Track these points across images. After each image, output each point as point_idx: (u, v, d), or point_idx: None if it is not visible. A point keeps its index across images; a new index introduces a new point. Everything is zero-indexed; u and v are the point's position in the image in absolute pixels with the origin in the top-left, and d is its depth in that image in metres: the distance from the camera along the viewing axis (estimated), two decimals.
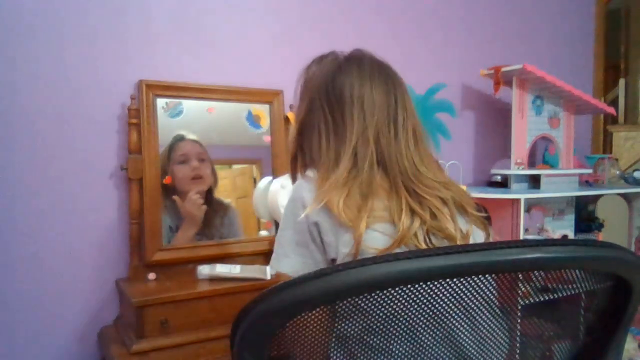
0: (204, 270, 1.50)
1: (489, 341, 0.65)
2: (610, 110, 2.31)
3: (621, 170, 2.44)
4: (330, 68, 1.00)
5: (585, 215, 2.34)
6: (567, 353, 0.71)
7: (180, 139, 1.64)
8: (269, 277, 1.51)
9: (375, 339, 0.61)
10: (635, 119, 3.67)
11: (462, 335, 0.63)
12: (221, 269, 1.50)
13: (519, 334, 0.69)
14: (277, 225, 1.75)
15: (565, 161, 2.19)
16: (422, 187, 0.89)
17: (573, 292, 0.64)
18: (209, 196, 1.69)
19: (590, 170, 2.30)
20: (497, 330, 0.64)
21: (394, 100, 0.96)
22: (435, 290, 0.54)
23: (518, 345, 0.68)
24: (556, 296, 0.65)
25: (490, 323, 0.63)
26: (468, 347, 0.64)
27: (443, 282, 0.54)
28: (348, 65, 0.98)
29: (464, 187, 1.05)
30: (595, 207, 2.39)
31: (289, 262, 0.93)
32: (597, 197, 2.36)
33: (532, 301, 0.67)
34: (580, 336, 0.71)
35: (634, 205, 2.40)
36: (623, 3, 3.84)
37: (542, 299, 0.68)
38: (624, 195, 2.39)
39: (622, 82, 3.71)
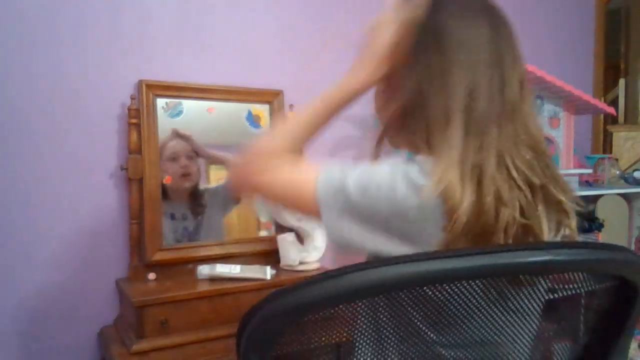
0: (204, 270, 1.50)
1: (493, 344, 0.64)
2: (610, 110, 2.30)
3: (621, 170, 2.44)
4: (428, 6, 0.81)
5: (585, 215, 2.34)
6: (569, 354, 0.71)
7: (171, 137, 1.64)
8: (269, 277, 1.51)
9: (384, 341, 0.61)
10: (635, 119, 3.67)
11: (471, 337, 0.62)
12: (221, 269, 1.50)
13: (532, 334, 0.68)
14: (277, 225, 1.75)
15: (565, 161, 2.19)
16: (517, 163, 0.72)
17: (575, 293, 0.63)
18: (195, 190, 1.71)
19: (590, 170, 2.30)
20: (503, 332, 0.64)
21: (497, 46, 0.79)
22: (444, 293, 0.54)
23: (524, 345, 0.67)
24: (558, 296, 0.65)
25: (501, 324, 0.62)
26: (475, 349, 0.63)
27: (452, 285, 0.53)
28: (446, 3, 0.81)
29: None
30: (595, 207, 2.39)
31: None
32: (597, 197, 2.36)
33: (538, 301, 0.67)
34: (582, 337, 0.70)
35: (634, 205, 2.40)
36: (623, 3, 3.84)
37: (545, 299, 0.68)
38: (624, 195, 2.39)
39: (622, 82, 3.71)
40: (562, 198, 0.74)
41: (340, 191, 0.75)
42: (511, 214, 0.68)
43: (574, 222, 0.76)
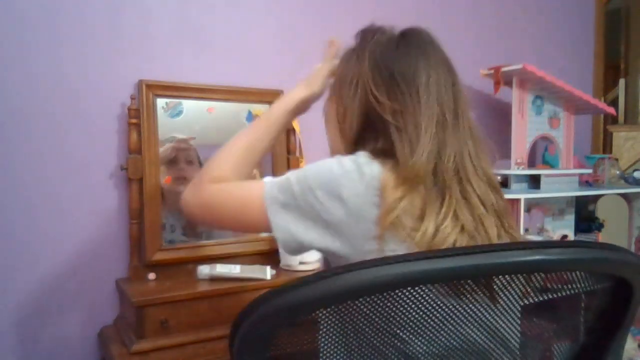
0: (204, 270, 1.50)
1: (487, 343, 0.65)
2: (610, 110, 2.31)
3: (621, 170, 2.44)
4: (385, 47, 0.90)
5: (585, 215, 2.34)
6: (567, 353, 0.71)
7: (170, 141, 1.63)
8: (269, 277, 1.52)
9: (375, 341, 0.61)
10: (635, 119, 3.67)
11: (465, 337, 0.63)
12: (221, 269, 1.50)
13: (519, 334, 0.69)
14: None
15: (565, 161, 2.19)
16: (473, 189, 0.80)
17: (573, 293, 0.64)
18: None
19: (590, 170, 2.30)
20: (495, 332, 0.64)
21: (452, 84, 0.88)
22: (436, 293, 0.54)
23: (519, 345, 0.67)
24: (556, 296, 0.65)
25: (494, 323, 0.63)
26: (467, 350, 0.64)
27: (444, 285, 0.54)
28: (405, 44, 0.89)
29: None
30: (595, 207, 2.39)
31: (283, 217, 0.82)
32: (597, 197, 2.36)
33: (532, 301, 0.67)
34: (580, 336, 0.71)
35: (634, 205, 2.40)
36: (623, 3, 3.84)
37: (541, 299, 0.68)
38: (624, 195, 2.39)
39: (622, 82, 3.71)
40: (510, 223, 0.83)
41: (283, 186, 0.82)
42: (466, 232, 0.75)
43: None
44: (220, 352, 1.37)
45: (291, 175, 0.83)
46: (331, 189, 0.77)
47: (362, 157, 0.80)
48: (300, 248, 0.83)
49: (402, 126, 0.82)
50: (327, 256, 0.84)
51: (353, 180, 0.76)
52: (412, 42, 0.90)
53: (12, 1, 1.44)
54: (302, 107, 1.09)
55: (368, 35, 0.94)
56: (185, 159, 1.66)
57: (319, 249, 0.81)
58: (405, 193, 0.74)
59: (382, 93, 0.86)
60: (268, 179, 0.89)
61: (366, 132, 0.88)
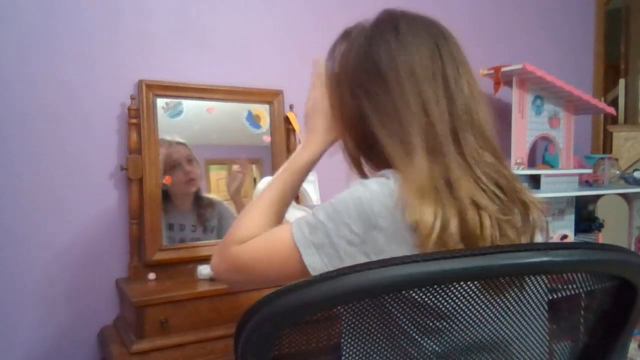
0: (204, 270, 1.50)
1: (493, 344, 0.64)
2: (610, 110, 2.31)
3: (621, 170, 2.44)
4: (359, 43, 0.84)
5: (585, 215, 2.34)
6: (568, 354, 0.71)
7: (168, 146, 1.63)
8: None
9: (381, 342, 0.61)
10: (635, 119, 3.67)
11: (469, 338, 0.62)
12: None
13: (525, 335, 0.68)
14: None
15: (565, 161, 2.19)
16: (485, 169, 0.74)
17: (575, 293, 0.64)
18: (197, 194, 1.70)
19: (590, 170, 2.30)
20: (502, 333, 0.64)
21: (439, 59, 0.80)
22: (442, 294, 0.54)
23: (524, 346, 0.67)
24: (557, 296, 0.65)
25: (497, 326, 0.62)
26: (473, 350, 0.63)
27: (450, 286, 0.54)
28: (378, 33, 0.83)
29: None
30: (595, 207, 2.39)
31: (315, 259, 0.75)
32: (597, 197, 2.36)
33: (536, 301, 0.67)
34: (582, 337, 0.70)
35: (634, 205, 2.40)
36: (623, 3, 3.84)
37: (545, 299, 0.68)
38: (624, 195, 2.39)
39: (622, 82, 3.71)
40: (527, 198, 0.76)
41: (314, 226, 0.75)
42: (492, 216, 0.70)
43: (538, 216, 0.77)
44: (220, 352, 1.37)
45: (318, 212, 0.76)
46: (366, 218, 0.71)
47: (386, 176, 0.75)
48: None
49: (388, 129, 0.78)
50: None
51: (385, 206, 0.70)
52: (381, 27, 0.83)
53: (13, 1, 1.44)
54: (314, 164, 0.98)
55: (339, 39, 0.91)
56: (187, 160, 1.65)
57: None
58: (430, 206, 0.68)
59: (358, 95, 0.82)
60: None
61: (367, 138, 0.83)
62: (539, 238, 0.79)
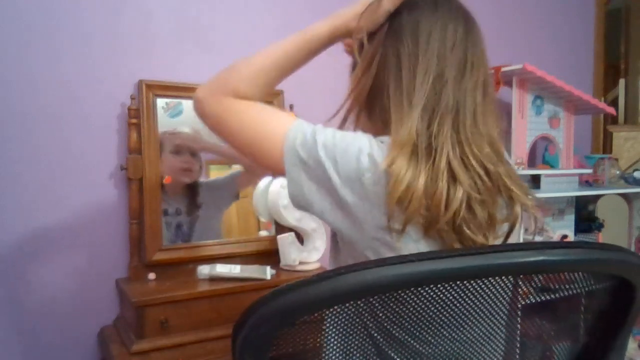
0: (204, 270, 1.50)
1: (487, 343, 0.65)
2: (610, 110, 2.31)
3: (621, 170, 2.43)
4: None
5: (585, 215, 2.34)
6: (568, 354, 0.71)
7: (173, 131, 1.64)
8: (269, 277, 1.52)
9: (377, 341, 0.61)
10: (635, 119, 3.67)
11: (462, 338, 0.63)
12: (221, 269, 1.50)
13: (519, 334, 0.69)
14: (277, 225, 1.75)
15: (565, 161, 2.19)
16: (474, 150, 0.76)
17: (574, 293, 0.64)
18: (194, 189, 1.70)
19: (590, 170, 2.30)
20: (496, 333, 0.64)
21: (465, 35, 0.82)
22: (438, 293, 0.54)
23: (518, 346, 0.67)
24: (556, 296, 0.65)
25: (493, 324, 0.63)
26: (468, 349, 0.64)
27: (446, 285, 0.54)
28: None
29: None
30: (595, 207, 2.39)
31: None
32: (597, 197, 2.36)
33: (533, 301, 0.67)
34: (581, 337, 0.70)
35: (634, 205, 2.40)
36: (623, 3, 3.84)
37: (542, 299, 0.68)
38: (624, 195, 2.39)
39: (622, 82, 3.71)
40: (514, 189, 0.77)
41: (308, 144, 0.77)
42: (465, 191, 0.71)
43: (522, 210, 0.79)
44: (220, 352, 1.37)
45: (319, 133, 0.77)
46: (355, 169, 0.73)
47: (385, 142, 0.76)
48: (308, 208, 0.78)
49: (400, 78, 0.80)
50: (335, 231, 0.81)
51: (377, 166, 0.72)
52: None
53: (13, 2, 1.44)
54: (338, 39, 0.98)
55: None
56: (190, 151, 1.66)
57: (327, 221, 0.78)
58: (405, 162, 0.71)
59: (388, 48, 0.83)
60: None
61: (373, 89, 0.85)
62: (519, 233, 0.81)
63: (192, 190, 1.70)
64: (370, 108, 0.87)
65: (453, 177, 0.71)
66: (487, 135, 0.79)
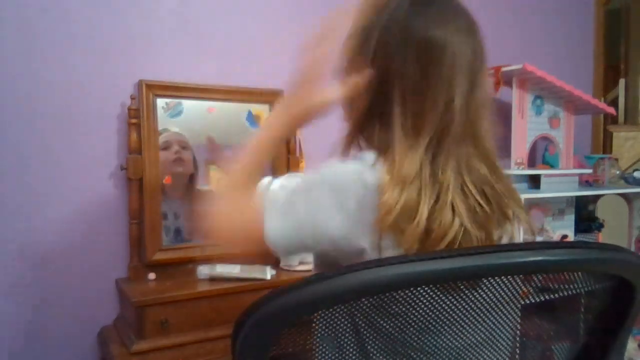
0: (204, 270, 1.50)
1: (488, 343, 0.65)
2: (610, 110, 2.30)
3: (621, 170, 2.43)
4: (408, 7, 0.75)
5: (585, 215, 2.33)
6: (567, 353, 0.71)
7: (163, 130, 1.63)
8: (268, 277, 1.51)
9: (377, 341, 0.61)
10: (635, 119, 3.66)
11: (464, 339, 0.63)
12: (221, 269, 1.50)
13: (519, 334, 0.69)
14: None
15: (565, 161, 2.19)
16: (473, 177, 0.72)
17: (574, 293, 0.64)
18: (190, 185, 1.70)
19: (590, 170, 2.30)
20: (500, 332, 0.64)
21: (475, 54, 0.74)
22: (438, 293, 0.54)
23: (518, 346, 0.67)
24: (556, 296, 0.65)
25: (494, 324, 0.63)
26: (469, 349, 0.64)
27: (446, 285, 0.54)
28: (420, 3, 0.76)
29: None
30: (595, 207, 2.39)
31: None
32: (597, 197, 2.36)
33: (532, 301, 0.67)
34: (581, 336, 0.70)
35: (634, 205, 2.40)
36: (623, 3, 3.83)
37: (542, 299, 0.68)
38: (624, 195, 2.39)
39: (622, 82, 3.70)
40: (511, 205, 0.74)
41: (282, 188, 0.76)
42: (463, 224, 0.67)
43: (516, 232, 0.76)
44: (220, 352, 1.37)
45: (285, 180, 0.77)
46: (339, 199, 0.68)
47: (366, 161, 0.72)
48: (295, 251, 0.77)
49: (407, 101, 0.72)
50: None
51: (357, 190, 0.68)
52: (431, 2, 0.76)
53: (13, 2, 1.44)
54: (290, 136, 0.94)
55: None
56: (180, 144, 1.66)
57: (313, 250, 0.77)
58: (402, 192, 0.66)
59: (390, 56, 0.74)
60: (267, 179, 0.85)
61: (371, 111, 0.78)
62: (519, 234, 0.78)
63: (191, 193, 1.70)
64: (365, 128, 0.81)
65: (453, 209, 0.68)
66: (484, 150, 0.76)
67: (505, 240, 0.76)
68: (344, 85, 0.82)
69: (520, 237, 0.79)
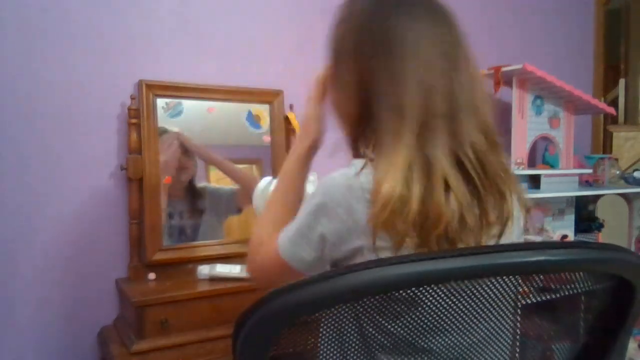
0: (204, 270, 1.50)
1: (488, 343, 0.65)
2: (610, 110, 2.30)
3: (621, 170, 2.43)
4: (367, 7, 0.79)
5: (585, 215, 2.34)
6: (568, 353, 0.71)
7: (163, 131, 1.63)
8: None
9: (378, 341, 0.61)
10: (635, 119, 3.66)
11: (465, 338, 0.63)
12: (221, 269, 1.50)
13: (519, 334, 0.69)
14: None
15: (565, 161, 2.19)
16: (471, 149, 0.73)
17: (574, 293, 0.64)
18: (190, 185, 1.71)
19: (590, 170, 2.30)
20: (500, 332, 0.64)
21: (451, 44, 0.78)
22: (439, 293, 0.54)
23: (518, 346, 0.67)
24: (556, 296, 0.65)
25: (494, 324, 0.63)
26: (471, 348, 0.64)
27: (448, 285, 0.54)
28: (391, 3, 0.79)
29: None
30: (595, 207, 2.39)
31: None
32: (597, 197, 2.36)
33: (533, 301, 0.67)
34: (581, 337, 0.70)
35: (634, 205, 2.40)
36: (623, 3, 3.83)
37: (542, 299, 0.68)
38: (624, 195, 2.39)
39: (622, 82, 3.70)
40: (507, 181, 0.76)
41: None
42: (459, 202, 0.69)
43: (514, 208, 0.77)
44: (220, 352, 1.37)
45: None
46: (331, 205, 0.72)
47: (357, 166, 0.74)
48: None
49: (386, 96, 0.75)
50: None
51: (345, 195, 0.71)
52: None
53: (13, 2, 1.44)
54: (311, 153, 0.97)
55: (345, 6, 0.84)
56: (182, 149, 1.66)
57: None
58: (394, 182, 0.67)
59: (361, 60, 0.77)
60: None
61: (359, 113, 0.80)
62: (514, 230, 0.79)
63: (193, 193, 1.70)
64: (359, 135, 0.83)
65: (447, 187, 0.69)
66: (484, 129, 0.77)
67: (500, 226, 0.76)
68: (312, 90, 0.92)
69: (520, 217, 0.82)
